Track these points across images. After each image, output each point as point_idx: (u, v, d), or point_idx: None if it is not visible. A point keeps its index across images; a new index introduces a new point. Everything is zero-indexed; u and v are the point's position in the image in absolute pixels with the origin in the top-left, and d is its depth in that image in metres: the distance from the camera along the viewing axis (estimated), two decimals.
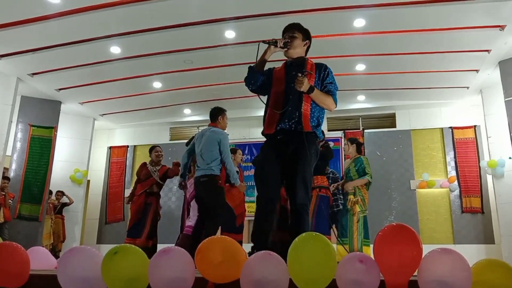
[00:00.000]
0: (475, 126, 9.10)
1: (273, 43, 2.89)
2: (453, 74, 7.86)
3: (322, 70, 3.00)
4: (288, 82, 2.92)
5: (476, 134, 9.06)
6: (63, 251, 8.54)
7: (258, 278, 1.71)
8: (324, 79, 2.97)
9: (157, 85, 8.61)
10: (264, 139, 3.06)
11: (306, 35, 3.06)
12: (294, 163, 2.83)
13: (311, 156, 2.86)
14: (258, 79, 2.99)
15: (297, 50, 3.00)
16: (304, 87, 2.78)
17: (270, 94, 3.02)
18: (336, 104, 2.98)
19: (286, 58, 3.08)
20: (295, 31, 3.01)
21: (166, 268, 1.75)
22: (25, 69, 7.61)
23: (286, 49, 2.95)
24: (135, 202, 5.77)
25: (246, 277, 1.75)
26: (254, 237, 2.88)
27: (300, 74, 2.80)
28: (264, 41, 2.89)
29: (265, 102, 3.11)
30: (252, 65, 3.00)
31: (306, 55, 3.11)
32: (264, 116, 3.03)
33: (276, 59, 3.08)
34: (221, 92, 8.95)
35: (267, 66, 3.07)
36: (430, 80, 8.26)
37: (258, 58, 2.95)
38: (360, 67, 7.83)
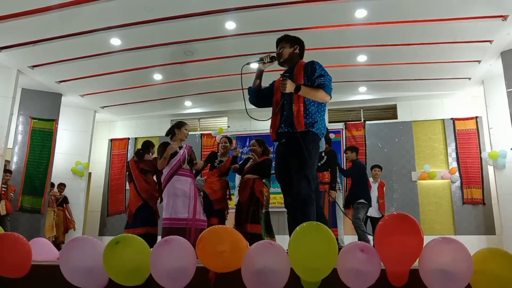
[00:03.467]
0: (476, 117, 9.08)
1: (259, 61, 3.16)
2: (455, 65, 7.83)
3: (308, 67, 3.09)
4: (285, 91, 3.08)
5: (477, 125, 9.04)
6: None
7: (259, 267, 1.72)
8: (311, 74, 3.04)
9: (157, 77, 8.59)
10: None
11: (294, 41, 3.26)
12: (294, 160, 2.99)
13: (309, 152, 2.97)
14: (256, 94, 3.30)
15: (290, 59, 3.22)
16: (289, 88, 2.90)
17: (271, 104, 3.25)
18: (330, 95, 3.03)
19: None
20: (282, 43, 3.25)
21: (167, 258, 1.76)
22: (26, 62, 7.59)
23: (275, 62, 3.20)
24: None
25: (247, 266, 1.75)
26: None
27: (281, 77, 3.01)
28: (248, 63, 3.22)
29: (252, 117, 3.46)
30: (250, 87, 3.30)
31: (302, 58, 3.28)
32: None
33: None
34: (222, 84, 8.93)
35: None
36: (432, 71, 8.22)
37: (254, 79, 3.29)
38: (362, 58, 7.79)
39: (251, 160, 5.68)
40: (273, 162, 3.65)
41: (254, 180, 5.48)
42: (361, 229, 6.15)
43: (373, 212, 6.99)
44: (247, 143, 9.58)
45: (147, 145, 6.23)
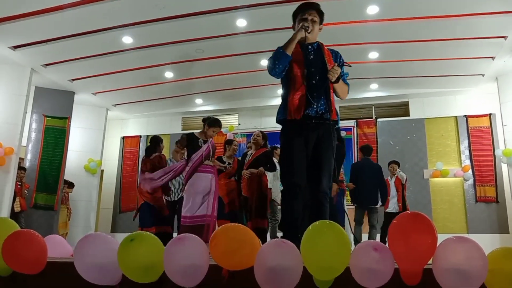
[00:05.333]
0: (490, 114, 8.97)
1: (306, 28, 2.85)
2: (468, 61, 7.73)
3: (337, 58, 3.00)
4: (308, 66, 2.88)
5: (491, 122, 8.93)
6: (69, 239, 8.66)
7: (272, 266, 1.72)
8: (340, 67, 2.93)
9: (169, 75, 8.62)
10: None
11: (322, 19, 3.02)
12: (321, 151, 2.82)
13: (334, 144, 2.87)
14: (286, 62, 2.86)
15: (314, 35, 2.98)
16: (336, 77, 2.78)
17: (290, 77, 2.91)
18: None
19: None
20: (316, 15, 2.95)
21: (180, 256, 1.76)
22: (39, 60, 7.68)
23: (309, 35, 2.90)
24: None
25: (260, 264, 1.76)
26: (283, 226, 2.90)
27: (337, 64, 2.83)
28: (304, 28, 2.84)
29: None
30: (280, 46, 2.89)
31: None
32: (286, 99, 2.91)
33: None
34: (233, 82, 8.94)
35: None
36: (444, 68, 8.14)
37: (288, 42, 2.87)
38: (373, 55, 7.74)
39: (250, 153, 5.67)
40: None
41: (260, 175, 5.47)
42: (354, 235, 6.11)
43: (392, 207, 7.03)
44: None
45: (155, 141, 6.21)
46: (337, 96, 3.01)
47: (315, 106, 2.81)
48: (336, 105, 3.02)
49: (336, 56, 3.01)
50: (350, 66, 2.93)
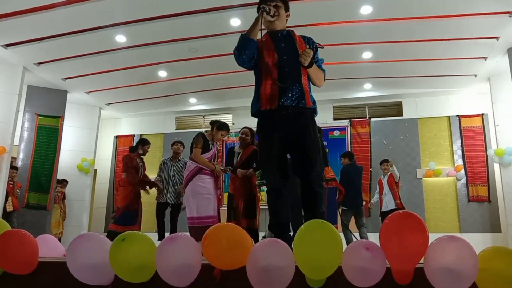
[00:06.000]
0: (482, 114, 9.03)
1: (267, 11, 2.73)
2: (461, 61, 7.78)
3: (310, 43, 2.87)
4: (281, 54, 2.77)
5: (483, 122, 9.00)
6: (64, 239, 8.64)
7: (264, 265, 1.72)
8: (313, 53, 2.80)
9: (162, 74, 8.60)
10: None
11: (287, 6, 2.91)
12: (303, 140, 2.68)
13: (315, 133, 2.75)
14: (253, 47, 2.75)
15: (282, 22, 2.87)
16: (308, 61, 2.68)
17: (261, 66, 2.81)
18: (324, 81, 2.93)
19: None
20: (279, 1, 2.83)
21: (173, 255, 1.76)
22: (31, 59, 7.62)
23: (274, 19, 2.78)
24: None
25: (252, 264, 1.76)
26: (272, 229, 2.82)
27: (308, 47, 2.74)
28: (264, 9, 2.73)
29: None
30: (243, 33, 2.79)
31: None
32: (258, 90, 2.80)
33: None
34: (226, 81, 8.93)
35: None
36: (437, 68, 8.18)
37: (251, 27, 2.76)
38: (367, 55, 7.76)
39: (239, 152, 5.57)
40: None
41: (250, 176, 5.41)
42: (346, 236, 6.13)
43: (389, 205, 7.10)
44: None
45: (138, 142, 6.56)
46: (312, 83, 2.87)
47: (290, 95, 2.68)
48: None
49: (309, 41, 2.88)
50: (322, 47, 2.83)
